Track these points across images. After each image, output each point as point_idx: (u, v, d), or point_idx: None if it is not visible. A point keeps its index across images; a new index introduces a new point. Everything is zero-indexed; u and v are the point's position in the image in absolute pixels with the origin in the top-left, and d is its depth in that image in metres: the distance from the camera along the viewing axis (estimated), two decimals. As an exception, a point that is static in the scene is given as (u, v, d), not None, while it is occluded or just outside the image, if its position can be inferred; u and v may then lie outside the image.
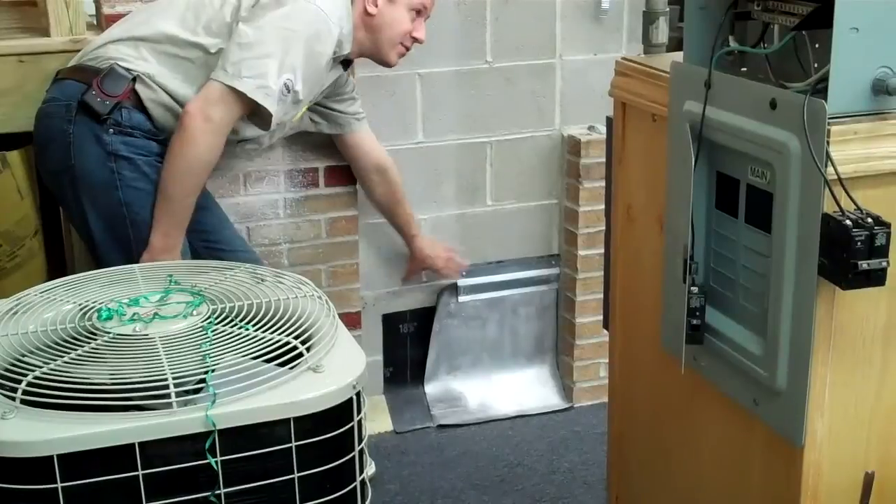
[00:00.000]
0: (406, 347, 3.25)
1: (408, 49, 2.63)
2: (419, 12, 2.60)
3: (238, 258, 2.59)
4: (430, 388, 3.25)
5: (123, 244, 2.34)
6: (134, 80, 2.33)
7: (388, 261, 3.14)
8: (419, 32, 2.61)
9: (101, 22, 2.64)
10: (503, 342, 3.31)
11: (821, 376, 1.49)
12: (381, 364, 3.23)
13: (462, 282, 3.19)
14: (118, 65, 2.33)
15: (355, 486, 1.57)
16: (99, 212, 2.33)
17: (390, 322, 3.21)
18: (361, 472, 1.59)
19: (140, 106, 2.33)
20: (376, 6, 2.53)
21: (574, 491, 2.84)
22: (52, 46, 2.54)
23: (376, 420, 3.14)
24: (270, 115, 2.30)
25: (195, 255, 2.49)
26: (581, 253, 3.17)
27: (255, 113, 2.33)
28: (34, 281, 2.18)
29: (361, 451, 1.58)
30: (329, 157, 2.90)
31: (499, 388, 3.29)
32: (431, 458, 3.00)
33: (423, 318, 3.23)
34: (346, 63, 2.62)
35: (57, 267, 2.72)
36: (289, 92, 2.32)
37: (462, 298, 3.22)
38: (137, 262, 2.27)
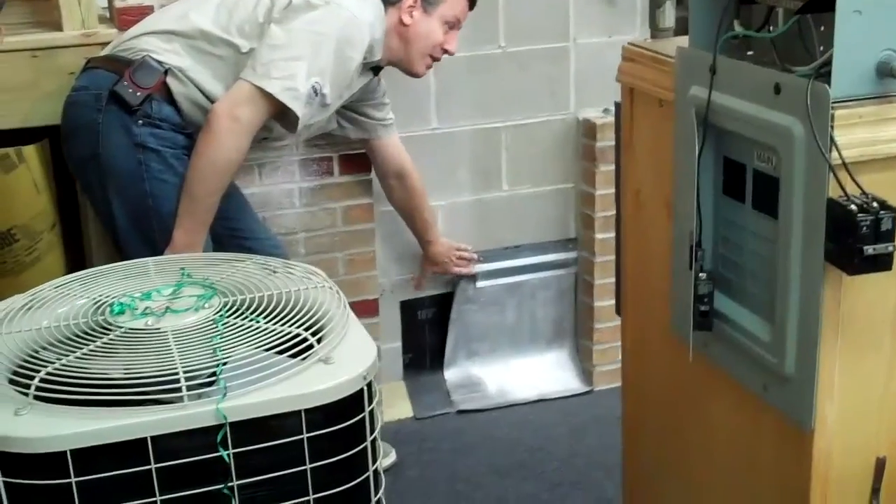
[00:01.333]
0: (425, 333, 3.26)
1: (437, 60, 2.65)
2: (452, 25, 2.61)
3: (261, 245, 2.61)
4: (450, 374, 3.26)
5: (147, 235, 2.35)
6: (165, 72, 2.34)
7: (405, 248, 3.14)
8: (451, 45, 2.63)
9: (114, 16, 2.65)
10: (522, 327, 3.31)
11: (829, 362, 1.48)
12: (401, 350, 3.24)
13: (480, 267, 3.19)
14: (150, 57, 2.34)
15: (368, 476, 1.58)
16: (124, 202, 2.35)
17: (408, 308, 3.22)
18: (374, 462, 1.59)
19: (170, 99, 2.35)
20: (412, 17, 2.54)
21: (593, 475, 2.84)
22: (64, 41, 2.54)
23: (396, 406, 3.16)
24: (297, 118, 2.30)
25: (218, 240, 2.51)
26: (598, 236, 3.17)
27: (282, 114, 2.33)
28: (52, 275, 2.18)
29: (374, 441, 1.59)
30: (343, 145, 2.90)
31: (518, 373, 3.29)
32: (451, 444, 3.01)
33: (442, 304, 3.24)
34: (377, 69, 2.63)
35: (76, 261, 2.74)
36: (316, 95, 2.32)
37: (480, 284, 3.22)
38: (161, 254, 2.28)
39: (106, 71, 2.36)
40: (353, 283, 2.99)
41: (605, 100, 3.14)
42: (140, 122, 2.31)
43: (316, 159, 2.89)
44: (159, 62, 2.34)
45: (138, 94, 2.31)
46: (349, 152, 2.91)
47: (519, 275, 3.26)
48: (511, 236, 3.24)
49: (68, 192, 2.70)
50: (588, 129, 3.13)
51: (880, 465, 1.56)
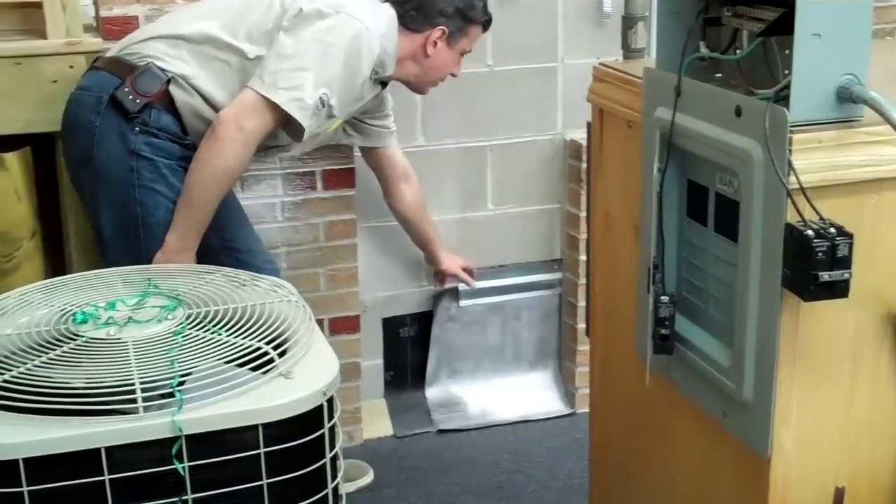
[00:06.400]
0: (407, 351, 3.25)
1: (442, 81, 2.70)
2: (464, 54, 2.66)
3: (255, 259, 2.59)
4: (431, 393, 3.24)
5: (133, 243, 2.34)
6: (168, 81, 2.33)
7: (388, 264, 3.13)
8: (458, 70, 2.69)
9: (100, 25, 2.65)
10: (505, 347, 3.29)
11: (786, 388, 1.46)
12: (382, 368, 3.22)
13: (463, 286, 3.17)
14: (154, 64, 2.33)
15: (326, 494, 1.56)
16: (113, 207, 2.34)
17: (390, 326, 3.20)
18: (333, 479, 1.58)
19: (171, 108, 2.33)
20: (435, 47, 2.56)
21: (571, 499, 2.82)
22: (48, 49, 2.54)
23: (376, 424, 3.14)
24: (303, 128, 2.29)
25: (211, 252, 2.48)
26: (583, 258, 3.14)
27: (288, 124, 2.32)
28: (31, 283, 2.17)
29: (334, 458, 1.57)
30: (327, 160, 2.89)
31: (500, 394, 3.27)
32: (430, 464, 2.99)
33: (424, 322, 3.22)
34: (385, 82, 2.64)
35: (56, 270, 2.72)
36: (323, 106, 2.31)
37: (463, 303, 3.20)
38: (145, 263, 2.25)
39: (109, 74, 2.35)
40: (334, 300, 2.98)
41: (592, 121, 3.14)
42: (137, 129, 2.30)
43: (299, 174, 2.88)
44: (163, 70, 2.33)
45: (138, 101, 2.30)
46: (333, 167, 2.90)
47: (503, 294, 3.25)
48: (496, 255, 3.22)
49: (51, 201, 2.69)
50: (574, 150, 3.11)
51: (839, 496, 1.54)
